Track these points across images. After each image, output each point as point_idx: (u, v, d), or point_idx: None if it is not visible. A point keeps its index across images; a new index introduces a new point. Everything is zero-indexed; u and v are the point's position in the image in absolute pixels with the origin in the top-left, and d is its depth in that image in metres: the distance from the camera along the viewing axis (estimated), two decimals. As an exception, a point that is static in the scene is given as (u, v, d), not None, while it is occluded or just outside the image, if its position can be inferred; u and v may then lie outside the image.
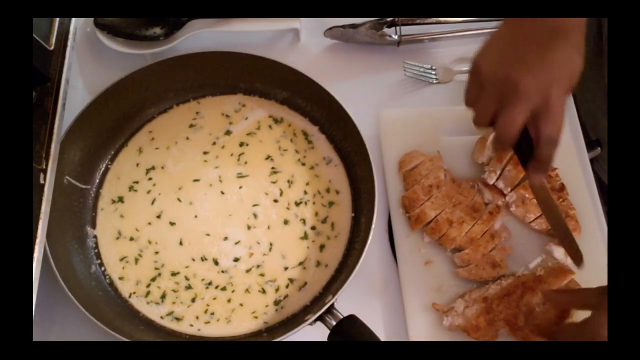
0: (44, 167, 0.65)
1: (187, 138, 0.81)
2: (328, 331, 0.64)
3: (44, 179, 0.64)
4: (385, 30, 0.87)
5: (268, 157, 0.79)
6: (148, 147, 0.80)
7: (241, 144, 0.80)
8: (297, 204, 0.77)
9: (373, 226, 0.69)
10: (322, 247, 0.74)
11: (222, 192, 0.77)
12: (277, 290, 0.72)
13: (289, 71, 0.79)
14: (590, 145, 0.85)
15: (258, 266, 0.73)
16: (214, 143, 0.80)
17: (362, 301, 0.72)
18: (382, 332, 0.69)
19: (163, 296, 0.71)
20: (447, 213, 0.73)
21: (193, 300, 0.71)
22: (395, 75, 0.87)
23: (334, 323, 0.64)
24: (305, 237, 0.75)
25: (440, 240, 0.73)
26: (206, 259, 0.73)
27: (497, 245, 0.72)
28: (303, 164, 0.79)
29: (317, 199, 0.77)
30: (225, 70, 0.82)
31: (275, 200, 0.77)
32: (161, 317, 0.71)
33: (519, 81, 0.57)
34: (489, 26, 0.90)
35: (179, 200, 0.77)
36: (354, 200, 0.77)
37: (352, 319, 0.64)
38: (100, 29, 0.83)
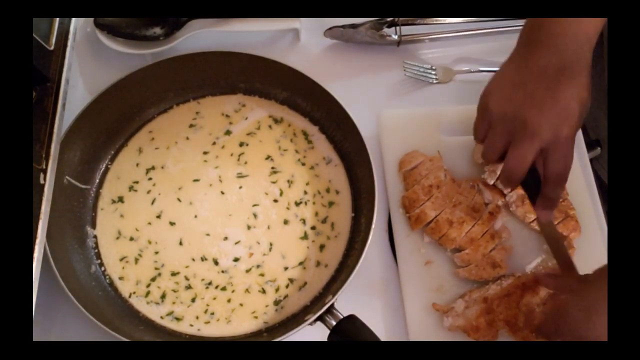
0: (44, 167, 0.64)
1: (187, 138, 0.81)
2: (328, 331, 0.64)
3: (44, 179, 0.64)
4: (385, 30, 0.87)
5: (268, 157, 0.79)
6: (148, 147, 0.80)
7: (241, 144, 0.80)
8: (297, 204, 0.77)
9: (373, 226, 0.69)
10: (322, 247, 0.74)
11: (222, 192, 0.77)
12: (277, 290, 0.72)
13: (289, 71, 0.79)
14: (590, 145, 0.85)
15: (258, 266, 0.73)
16: (214, 143, 0.80)
17: (362, 301, 0.72)
18: (382, 332, 0.69)
19: (163, 296, 0.71)
20: (447, 213, 0.73)
21: (193, 300, 0.71)
22: (395, 75, 0.87)
23: (334, 323, 0.64)
24: (305, 237, 0.75)
25: (440, 241, 0.73)
26: (206, 259, 0.73)
27: (497, 246, 0.72)
28: (303, 164, 0.79)
29: (317, 199, 0.77)
30: (225, 70, 0.82)
31: (275, 200, 0.77)
32: (161, 317, 0.71)
33: (529, 119, 0.58)
34: (489, 26, 0.90)
35: (179, 200, 0.77)
36: (354, 200, 0.77)
37: (352, 319, 0.64)
38: (100, 29, 0.83)
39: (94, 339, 0.67)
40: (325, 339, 0.65)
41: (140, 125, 0.81)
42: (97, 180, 0.78)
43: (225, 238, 0.74)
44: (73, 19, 0.74)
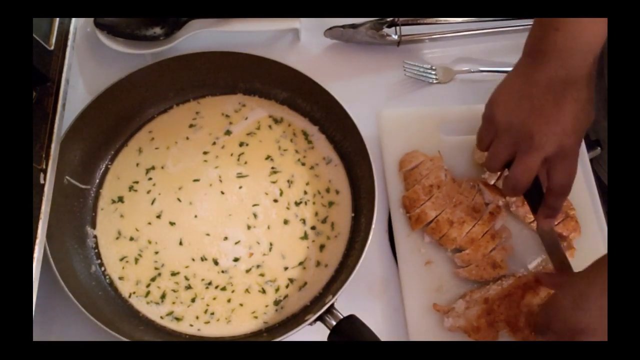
0: (44, 167, 0.64)
1: (187, 138, 0.81)
2: (328, 331, 0.64)
3: (44, 179, 0.64)
4: (385, 30, 0.87)
5: (268, 157, 0.79)
6: (148, 147, 0.80)
7: (241, 144, 0.80)
8: (297, 204, 0.77)
9: (373, 226, 0.69)
10: (322, 247, 0.74)
11: (222, 192, 0.77)
12: (277, 290, 0.72)
13: (289, 71, 0.79)
14: (590, 145, 0.85)
15: (258, 266, 0.73)
16: (214, 143, 0.80)
17: (362, 301, 0.72)
18: (382, 332, 0.69)
19: (163, 296, 0.71)
20: (448, 213, 0.73)
21: (193, 300, 0.71)
22: (395, 75, 0.87)
23: (334, 323, 0.64)
24: (305, 237, 0.75)
25: (440, 241, 0.73)
26: (206, 259, 0.73)
27: (498, 246, 0.72)
28: (303, 164, 0.79)
29: (317, 199, 0.77)
30: (225, 70, 0.82)
31: (275, 200, 0.77)
32: (161, 317, 0.71)
33: (535, 131, 0.59)
34: (489, 26, 0.90)
35: (179, 200, 0.77)
36: (354, 200, 0.77)
37: (352, 319, 0.64)
38: (100, 29, 0.83)
39: (94, 339, 0.67)
40: (325, 339, 0.65)
41: (140, 125, 0.81)
42: (97, 180, 0.78)
43: (225, 238, 0.74)
44: (73, 19, 0.74)
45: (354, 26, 0.87)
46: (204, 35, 0.84)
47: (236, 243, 0.74)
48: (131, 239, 0.74)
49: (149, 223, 0.75)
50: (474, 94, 0.86)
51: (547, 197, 0.64)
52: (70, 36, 0.73)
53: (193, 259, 0.73)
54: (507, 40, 0.90)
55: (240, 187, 0.77)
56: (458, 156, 0.79)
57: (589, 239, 0.74)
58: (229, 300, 0.71)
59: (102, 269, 0.73)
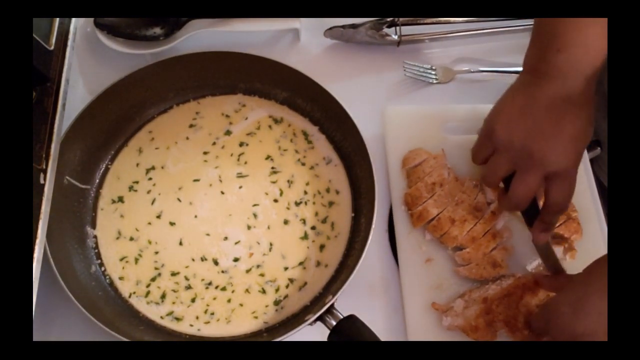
0: (44, 167, 0.64)
1: (187, 138, 0.81)
2: (328, 331, 0.64)
3: (44, 179, 0.64)
4: (385, 30, 0.87)
5: (268, 157, 0.79)
6: (148, 147, 0.80)
7: (241, 144, 0.80)
8: (297, 204, 0.77)
9: (373, 226, 0.69)
10: (322, 247, 0.74)
11: (222, 192, 0.77)
12: (277, 290, 0.72)
13: (289, 71, 0.79)
14: (590, 145, 0.85)
15: (258, 266, 0.73)
16: (214, 143, 0.80)
17: (362, 301, 0.72)
18: (382, 332, 0.69)
19: (163, 296, 0.71)
20: (450, 211, 0.73)
21: (193, 300, 0.71)
22: (395, 75, 0.87)
23: (334, 323, 0.64)
24: (305, 237, 0.75)
25: (441, 239, 0.73)
26: (206, 259, 0.73)
27: (499, 245, 0.72)
28: (303, 164, 0.79)
29: (317, 199, 0.77)
30: (225, 70, 0.82)
31: (275, 200, 0.77)
32: (161, 317, 0.71)
33: (536, 150, 0.60)
34: (489, 26, 0.90)
35: (179, 200, 0.77)
36: (354, 200, 0.77)
37: (352, 319, 0.64)
38: (100, 29, 0.83)
39: (94, 339, 0.67)
40: (325, 339, 0.65)
41: (140, 125, 0.81)
42: (97, 180, 0.78)
43: (225, 238, 0.74)
44: (73, 19, 0.74)
45: (354, 26, 0.87)
46: (204, 35, 0.84)
47: (236, 243, 0.74)
48: (131, 239, 0.74)
49: (149, 223, 0.75)
50: (474, 94, 0.86)
51: (544, 213, 0.65)
52: (70, 36, 0.73)
53: (193, 259, 0.73)
54: (507, 40, 0.90)
55: (240, 187, 0.77)
56: (461, 155, 0.78)
57: (590, 241, 0.74)
58: (229, 300, 0.71)
59: (102, 269, 0.73)
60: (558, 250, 0.72)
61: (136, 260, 0.73)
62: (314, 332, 0.65)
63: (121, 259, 0.73)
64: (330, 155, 0.80)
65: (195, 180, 0.78)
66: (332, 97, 0.76)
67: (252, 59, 0.79)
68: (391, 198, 0.77)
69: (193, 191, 0.77)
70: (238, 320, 0.70)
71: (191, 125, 0.82)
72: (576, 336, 0.57)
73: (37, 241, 0.60)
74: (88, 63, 0.87)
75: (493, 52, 0.89)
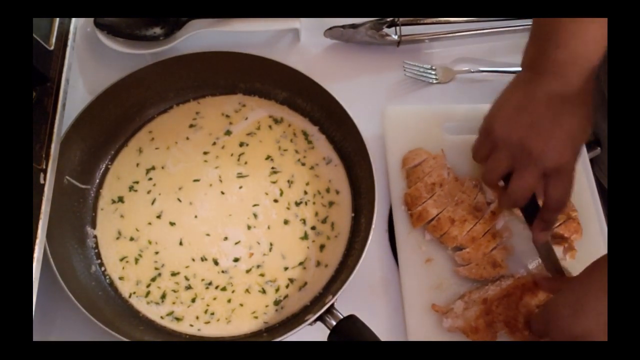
0: (44, 167, 0.64)
1: (187, 138, 0.81)
2: (328, 331, 0.64)
3: (44, 179, 0.64)
4: (385, 30, 0.87)
5: (268, 157, 0.79)
6: (148, 147, 0.80)
7: (241, 144, 0.80)
8: (297, 204, 0.77)
9: (373, 226, 0.69)
10: (322, 247, 0.74)
11: (222, 192, 0.77)
12: (277, 290, 0.72)
13: (289, 71, 0.79)
14: (589, 145, 0.85)
15: (258, 266, 0.73)
16: (214, 143, 0.80)
17: (362, 301, 0.72)
18: (382, 332, 0.69)
19: (163, 296, 0.71)
20: (449, 211, 0.73)
21: (193, 300, 0.71)
22: (395, 75, 0.87)
23: (334, 323, 0.64)
24: (305, 237, 0.75)
25: (441, 239, 0.73)
26: (206, 259, 0.73)
27: (499, 245, 0.72)
28: (303, 164, 0.79)
29: (317, 199, 0.77)
30: (225, 70, 0.82)
31: (276, 200, 0.77)
32: (161, 317, 0.71)
33: (534, 147, 0.60)
34: (488, 26, 0.90)
35: (179, 200, 0.77)
36: (354, 200, 0.77)
37: (352, 319, 0.64)
38: (100, 29, 0.83)
39: (94, 339, 0.67)
40: (325, 339, 0.65)
41: (140, 125, 0.81)
42: (97, 180, 0.78)
43: (226, 238, 0.74)
44: (73, 19, 0.74)
45: (354, 26, 0.87)
46: (204, 35, 0.84)
47: (236, 243, 0.74)
48: (131, 239, 0.74)
49: (149, 223, 0.75)
50: (474, 94, 0.86)
51: (543, 211, 0.65)
52: (70, 36, 0.73)
53: (193, 259, 0.73)
54: (507, 40, 0.90)
55: (241, 187, 0.77)
56: (461, 155, 0.78)
57: (591, 241, 0.74)
58: (229, 301, 0.71)
59: (102, 269, 0.73)
60: (558, 250, 0.72)
61: (136, 260, 0.73)
62: (314, 332, 0.65)
63: (121, 259, 0.73)
64: (330, 155, 0.80)
65: (195, 181, 0.78)
66: (332, 97, 0.76)
67: (252, 59, 0.79)
68: (391, 198, 0.77)
69: (193, 191, 0.77)
70: (238, 320, 0.70)
71: (191, 125, 0.82)
72: (576, 337, 0.57)
73: (37, 241, 0.60)
74: (88, 63, 0.87)
75: (493, 52, 0.90)
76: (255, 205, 0.76)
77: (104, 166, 0.79)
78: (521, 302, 0.68)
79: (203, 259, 0.73)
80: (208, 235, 0.75)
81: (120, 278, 0.72)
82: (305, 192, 0.77)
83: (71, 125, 0.73)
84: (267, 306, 0.71)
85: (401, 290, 0.72)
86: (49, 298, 0.69)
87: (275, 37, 0.91)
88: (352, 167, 0.78)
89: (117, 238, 0.74)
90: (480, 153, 0.66)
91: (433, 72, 0.87)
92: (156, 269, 0.73)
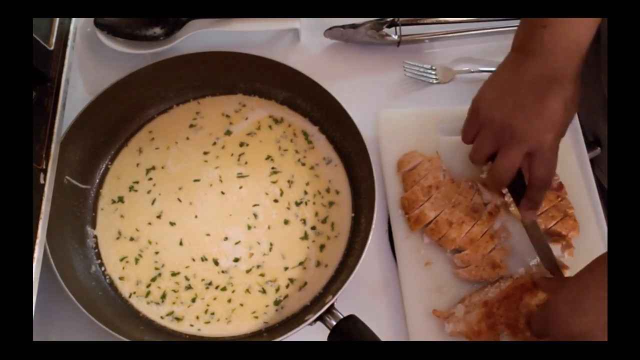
0: (44, 167, 0.64)
1: (187, 138, 0.81)
2: (328, 331, 0.64)
3: (44, 179, 0.64)
4: (385, 30, 0.87)
5: (268, 157, 0.79)
6: (148, 147, 0.80)
7: (241, 144, 0.80)
8: (297, 204, 0.77)
9: (373, 226, 0.69)
10: (322, 247, 0.74)
11: (223, 192, 0.77)
12: (277, 290, 0.72)
13: (289, 71, 0.79)
14: (589, 145, 0.85)
15: (258, 266, 0.73)
16: (214, 143, 0.80)
17: (362, 301, 0.72)
18: (382, 332, 0.69)
19: (163, 296, 0.71)
20: (447, 214, 0.73)
21: (193, 300, 0.71)
22: (395, 75, 0.87)
23: (334, 323, 0.64)
24: (305, 237, 0.75)
25: (440, 241, 0.73)
26: (206, 259, 0.73)
27: (497, 246, 0.72)
28: (303, 164, 0.79)
29: (317, 199, 0.77)
30: (225, 70, 0.82)
31: (276, 200, 0.77)
32: (161, 317, 0.71)
33: (517, 126, 0.61)
34: (488, 26, 0.90)
35: (179, 200, 0.77)
36: (354, 200, 0.77)
37: (352, 319, 0.64)
38: (100, 29, 0.83)
39: (94, 339, 0.67)
40: (325, 339, 0.65)
41: (140, 125, 0.81)
42: (97, 180, 0.78)
43: (226, 238, 0.74)
44: (73, 19, 0.74)
45: (354, 26, 0.87)
46: (204, 35, 0.84)
47: (236, 243, 0.74)
48: (131, 239, 0.74)
49: (149, 223, 0.75)
50: (474, 94, 0.85)
51: (529, 190, 0.66)
52: (70, 36, 0.73)
53: (193, 259, 0.73)
54: (507, 40, 0.89)
55: (241, 187, 0.77)
56: (456, 156, 0.79)
57: (588, 238, 0.74)
58: (229, 301, 0.71)
59: (102, 269, 0.73)
60: (556, 248, 0.72)
61: (136, 260, 0.73)
62: (314, 332, 0.65)
63: (121, 259, 0.73)
64: (330, 155, 0.80)
65: (195, 181, 0.78)
66: (332, 97, 0.76)
67: (252, 59, 0.79)
68: (387, 202, 0.77)
69: (193, 191, 0.77)
70: (238, 320, 0.70)
71: (191, 125, 0.82)
72: (575, 335, 0.57)
73: (37, 241, 0.60)
74: (88, 63, 0.87)
75: (493, 52, 0.89)
76: (255, 205, 0.76)
77: (104, 166, 0.79)
78: (521, 302, 0.68)
79: (203, 259, 0.73)
80: (208, 235, 0.75)
81: (120, 278, 0.72)
82: (306, 192, 0.77)
83: (71, 125, 0.73)
84: (267, 306, 0.71)
85: (402, 294, 0.72)
86: (49, 298, 0.69)
87: (275, 37, 0.91)
88: (352, 167, 0.78)
89: (117, 238, 0.74)
90: (468, 134, 0.67)
91: (433, 72, 0.87)
92: (156, 269, 0.73)
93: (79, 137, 0.75)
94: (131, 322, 0.69)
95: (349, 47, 0.89)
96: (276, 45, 0.90)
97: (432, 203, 0.73)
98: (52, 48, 0.69)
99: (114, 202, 0.77)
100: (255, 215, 0.76)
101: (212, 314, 0.71)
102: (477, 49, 0.90)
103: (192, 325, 0.70)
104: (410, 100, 0.86)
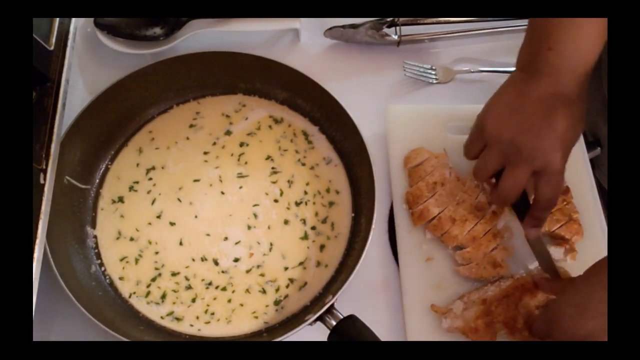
0: (44, 167, 0.64)
1: (187, 138, 0.81)
2: (328, 331, 0.64)
3: (44, 179, 0.64)
4: (385, 30, 0.87)
5: (268, 157, 0.80)
6: (148, 147, 0.80)
7: (241, 144, 0.80)
8: (297, 204, 0.77)
9: (373, 226, 0.69)
10: (322, 247, 0.74)
11: (223, 192, 0.77)
12: (277, 290, 0.72)
13: (289, 71, 0.79)
14: (589, 145, 0.85)
15: (258, 266, 0.73)
16: (214, 143, 0.80)
17: (362, 301, 0.72)
18: (382, 332, 0.69)
19: (163, 296, 0.71)
20: (451, 211, 0.73)
21: (193, 300, 0.71)
22: (395, 75, 0.87)
23: (334, 323, 0.64)
24: (305, 237, 0.75)
25: (442, 238, 0.73)
26: (206, 259, 0.73)
27: (499, 245, 0.72)
28: (303, 164, 0.79)
29: (317, 199, 0.77)
30: (225, 70, 0.82)
31: (276, 200, 0.77)
32: (161, 317, 0.71)
33: (524, 145, 0.60)
34: (489, 26, 0.90)
35: (179, 200, 0.77)
36: (354, 200, 0.77)
37: (352, 319, 0.64)
38: (100, 29, 0.83)
39: (94, 339, 0.67)
40: (325, 339, 0.65)
41: (140, 125, 0.81)
42: (97, 180, 0.78)
43: (226, 238, 0.74)
44: (73, 19, 0.74)
45: (354, 26, 0.87)
46: (204, 35, 0.84)
47: (236, 243, 0.74)
48: (131, 239, 0.74)
49: (149, 223, 0.75)
50: (474, 94, 0.86)
51: (533, 209, 0.65)
52: (70, 36, 0.73)
53: (193, 259, 0.73)
54: (507, 40, 0.90)
55: (241, 187, 0.77)
56: (463, 155, 0.78)
57: (592, 242, 0.74)
58: (229, 301, 0.71)
59: (102, 269, 0.73)
60: (559, 252, 0.72)
61: (136, 260, 0.73)
62: (314, 332, 0.65)
63: (121, 259, 0.73)
64: (330, 155, 0.80)
65: (195, 181, 0.78)
66: (332, 97, 0.76)
67: (252, 59, 0.79)
68: (392, 196, 0.77)
69: (193, 191, 0.77)
70: (238, 320, 0.70)
71: (191, 125, 0.82)
72: (580, 338, 0.57)
73: (37, 241, 0.60)
74: (88, 63, 0.87)
75: (493, 52, 0.90)
76: (255, 205, 0.76)
77: (104, 166, 0.79)
78: (520, 302, 0.68)
79: (203, 259, 0.73)
80: (208, 235, 0.75)
81: (120, 278, 0.72)
82: (305, 192, 0.77)
83: (71, 125, 0.73)
84: (267, 306, 0.71)
85: (401, 289, 0.72)
86: (49, 298, 0.69)
87: (275, 37, 0.91)
88: (352, 167, 0.78)
89: (117, 238, 0.74)
90: (472, 150, 0.67)
91: (433, 72, 0.87)
92: (156, 269, 0.73)
93: (79, 137, 0.75)
94: (131, 322, 0.69)
95: (349, 47, 0.89)
96: (276, 45, 0.90)
97: (436, 199, 0.73)
98: (52, 48, 0.69)
99: (114, 202, 0.77)
100: (255, 215, 0.76)
101: (212, 314, 0.71)
102: (477, 49, 0.90)
103: (192, 325, 0.70)
104: (411, 100, 0.86)
